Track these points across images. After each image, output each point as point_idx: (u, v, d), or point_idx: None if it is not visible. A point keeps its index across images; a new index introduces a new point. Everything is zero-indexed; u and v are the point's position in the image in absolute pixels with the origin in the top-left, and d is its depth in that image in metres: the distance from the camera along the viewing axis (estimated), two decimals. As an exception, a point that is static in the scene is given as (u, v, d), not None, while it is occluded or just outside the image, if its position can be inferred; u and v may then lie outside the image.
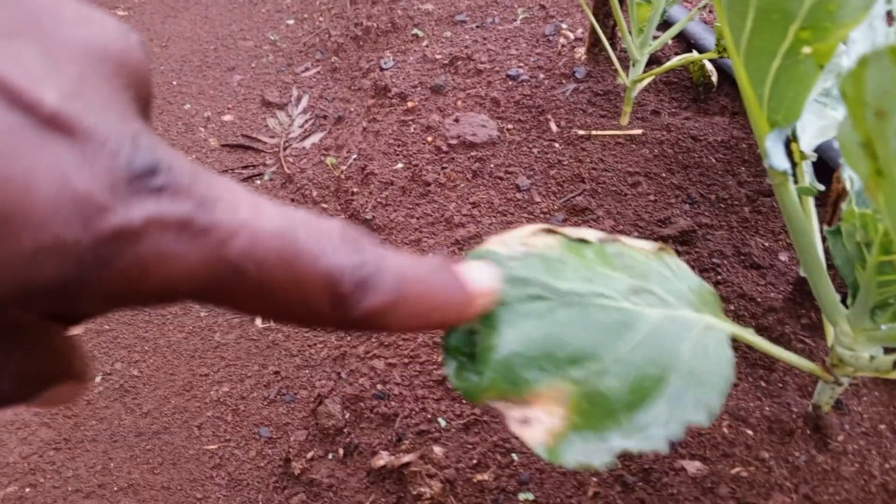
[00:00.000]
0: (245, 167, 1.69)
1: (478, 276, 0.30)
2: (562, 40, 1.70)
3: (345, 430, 0.95)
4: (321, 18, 2.41)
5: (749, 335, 0.61)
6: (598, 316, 0.54)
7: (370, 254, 0.24)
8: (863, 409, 0.83)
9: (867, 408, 0.83)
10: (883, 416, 0.82)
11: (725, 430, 0.81)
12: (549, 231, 0.60)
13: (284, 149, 1.74)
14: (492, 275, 0.31)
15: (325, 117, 1.82)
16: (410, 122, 1.53)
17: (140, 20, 2.58)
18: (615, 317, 0.54)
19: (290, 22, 2.48)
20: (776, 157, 0.61)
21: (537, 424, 0.49)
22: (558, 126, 1.44)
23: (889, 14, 0.72)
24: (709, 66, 1.44)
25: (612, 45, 1.45)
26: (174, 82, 2.13)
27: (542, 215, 1.25)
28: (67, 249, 0.17)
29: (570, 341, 0.52)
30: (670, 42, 1.57)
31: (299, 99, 1.94)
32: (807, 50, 0.52)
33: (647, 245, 0.62)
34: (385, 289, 0.24)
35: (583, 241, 0.60)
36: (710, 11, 1.84)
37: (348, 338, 1.17)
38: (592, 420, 0.49)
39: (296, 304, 0.22)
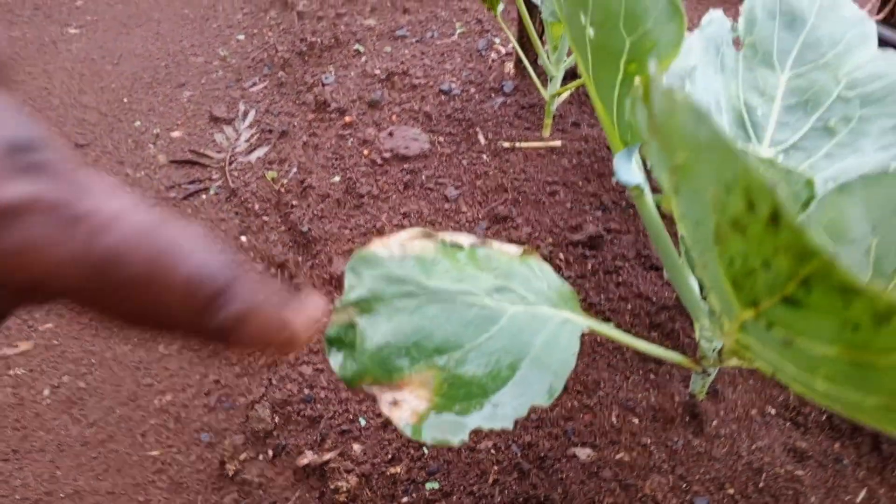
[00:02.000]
0: (192, 182, 1.75)
1: (306, 312, 0.29)
2: (493, 55, 1.78)
3: (274, 433, 1.02)
4: (270, 33, 2.47)
5: (607, 329, 0.70)
6: (462, 311, 0.62)
7: (229, 265, 0.24)
8: (737, 396, 0.91)
9: (741, 395, 0.92)
10: (754, 402, 0.91)
11: (614, 419, 0.90)
12: (427, 235, 0.68)
13: (230, 163, 1.79)
14: (319, 308, 0.30)
15: (270, 131, 1.88)
16: (348, 136, 1.60)
17: (93, 37, 2.62)
18: (478, 312, 0.63)
19: (241, 37, 2.53)
20: (624, 173, 0.69)
21: (405, 406, 0.57)
22: (486, 138, 1.52)
23: (736, 40, 0.81)
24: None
25: (534, 61, 1.54)
26: (125, 100, 2.17)
27: (467, 224, 1.33)
28: None
29: (437, 333, 0.60)
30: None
31: (246, 114, 2.00)
32: (637, 80, 0.61)
33: (514, 249, 0.70)
34: (239, 302, 0.24)
35: (456, 245, 0.68)
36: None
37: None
38: (453, 402, 0.57)
39: (157, 307, 0.22)
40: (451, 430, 0.57)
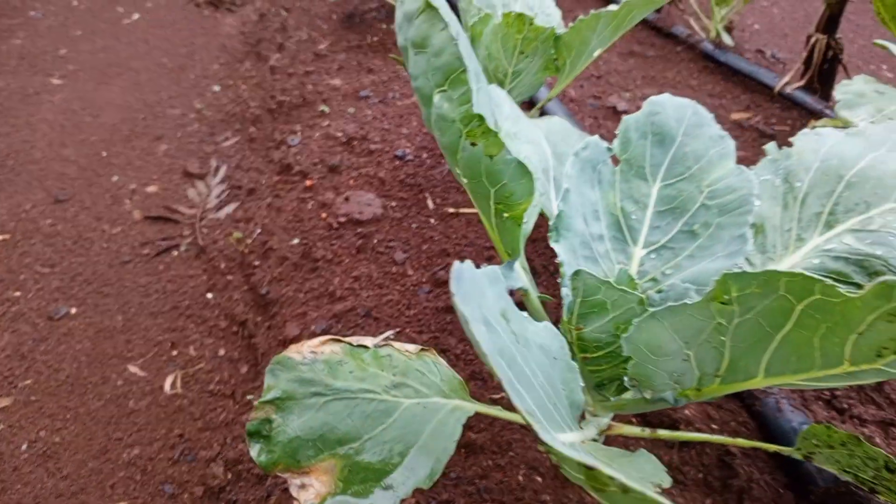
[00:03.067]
0: (164, 239, 1.87)
1: None
2: (445, 119, 1.92)
3: (227, 488, 1.14)
4: (243, 86, 2.61)
5: (492, 410, 0.83)
6: (363, 407, 0.75)
7: None
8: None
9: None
10: (643, 461, 1.04)
11: (521, 477, 1.03)
12: (337, 340, 0.81)
13: (201, 219, 1.92)
14: None
15: (239, 187, 2.01)
16: (308, 199, 1.73)
17: (74, 88, 2.74)
18: (376, 406, 0.76)
19: (216, 88, 2.67)
20: (511, 280, 0.83)
21: (310, 489, 0.70)
22: (434, 203, 1.66)
23: (613, 157, 0.96)
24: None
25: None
26: (104, 153, 2.29)
27: (412, 286, 1.46)
28: None
29: (340, 427, 0.74)
30: (535, 123, 1.80)
31: (217, 169, 2.13)
32: (506, 215, 0.75)
33: (412, 347, 0.84)
34: None
35: (363, 346, 0.82)
36: (575, 89, 2.09)
37: (242, 403, 1.36)
38: (351, 485, 0.71)
39: None
40: (350, 510, 0.70)
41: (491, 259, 1.48)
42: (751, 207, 0.91)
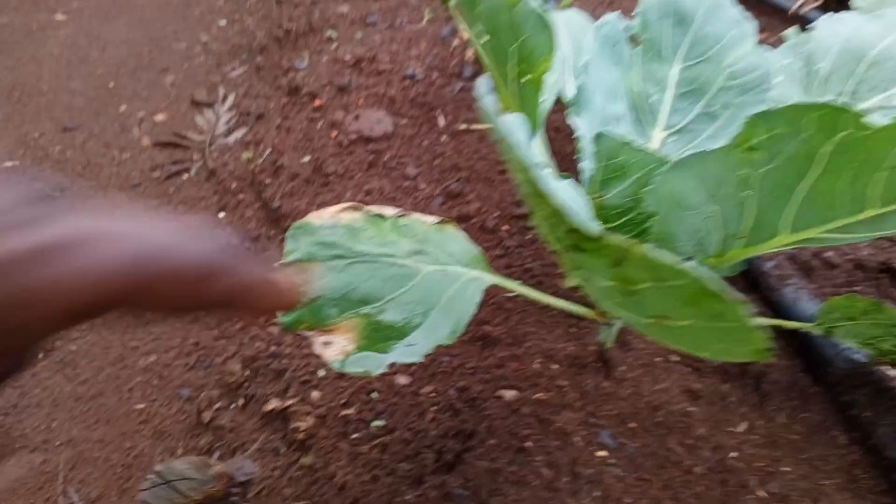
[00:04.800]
0: (174, 163, 1.87)
1: (291, 281, 0.35)
2: (456, 41, 1.90)
3: (244, 384, 1.16)
4: (250, 19, 2.57)
5: (512, 284, 0.83)
6: (384, 270, 0.76)
7: (224, 249, 0.29)
8: (644, 345, 1.05)
9: (648, 345, 1.05)
10: (658, 350, 1.05)
11: (537, 365, 1.04)
12: (355, 208, 0.81)
13: (210, 144, 1.91)
14: (303, 277, 0.36)
15: (248, 114, 1.99)
16: (318, 119, 1.72)
17: (79, 24, 2.71)
18: (397, 271, 0.76)
19: (222, 23, 2.63)
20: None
21: (335, 346, 0.71)
22: (445, 121, 1.64)
23: (631, 37, 0.94)
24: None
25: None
26: (111, 85, 2.27)
27: (424, 200, 1.46)
28: None
29: (362, 288, 0.74)
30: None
31: (225, 97, 2.12)
32: (526, 77, 0.74)
33: (431, 219, 0.84)
34: (239, 277, 0.30)
35: (381, 216, 0.81)
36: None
37: (256, 310, 1.37)
38: (375, 343, 0.71)
39: (177, 296, 0.29)
40: (373, 364, 0.71)
41: (504, 172, 1.47)
42: (770, 85, 0.89)
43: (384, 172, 1.52)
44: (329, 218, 0.77)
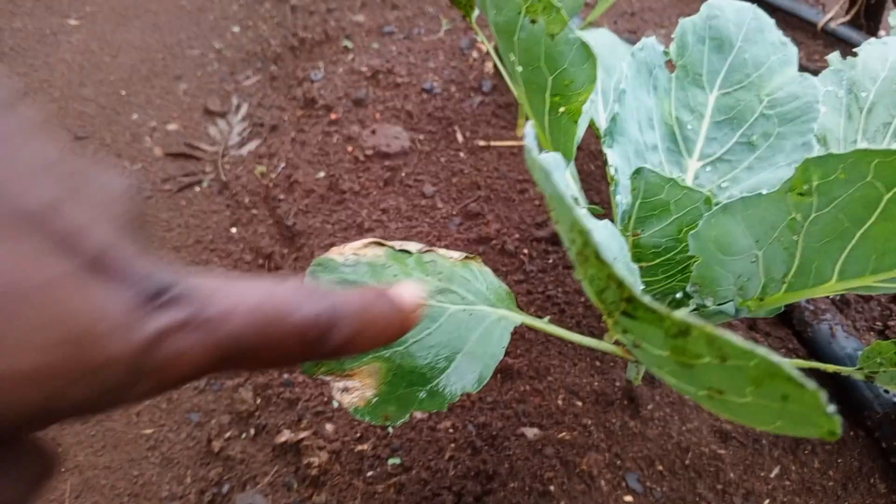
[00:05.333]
0: (186, 175, 1.84)
1: (407, 295, 0.34)
2: (475, 54, 1.86)
3: (256, 413, 1.12)
4: (264, 26, 2.54)
5: (540, 323, 0.79)
6: (407, 316, 0.71)
7: (328, 300, 0.29)
8: (673, 383, 1.01)
9: (677, 382, 1.01)
10: (688, 388, 1.00)
11: (560, 401, 0.99)
12: (378, 244, 0.77)
13: (223, 156, 1.88)
14: (416, 291, 0.35)
15: (261, 125, 1.96)
16: (333, 133, 1.68)
17: (92, 29, 2.69)
18: (421, 311, 0.71)
19: (236, 29, 2.60)
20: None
21: (354, 392, 0.67)
22: (464, 136, 1.60)
23: (668, 63, 0.90)
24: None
25: (510, 62, 1.61)
26: (123, 92, 2.25)
27: (441, 220, 1.42)
28: (111, 364, 0.22)
29: (384, 336, 0.69)
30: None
31: (239, 107, 2.09)
32: (562, 109, 0.70)
33: (457, 255, 0.79)
34: (345, 325, 0.29)
35: (405, 251, 0.77)
36: (609, 25, 2.01)
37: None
38: (396, 389, 0.67)
39: (279, 356, 0.28)
40: (394, 413, 0.67)
41: (524, 192, 1.43)
42: (815, 115, 0.85)
43: (401, 190, 1.48)
44: (351, 254, 0.73)
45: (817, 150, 0.84)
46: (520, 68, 0.68)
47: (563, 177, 0.70)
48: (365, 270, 0.73)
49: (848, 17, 1.87)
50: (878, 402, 0.95)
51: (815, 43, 1.93)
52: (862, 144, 0.88)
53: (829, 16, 1.91)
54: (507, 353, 1.08)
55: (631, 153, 0.84)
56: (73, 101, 2.22)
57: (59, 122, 2.09)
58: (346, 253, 0.73)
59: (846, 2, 1.88)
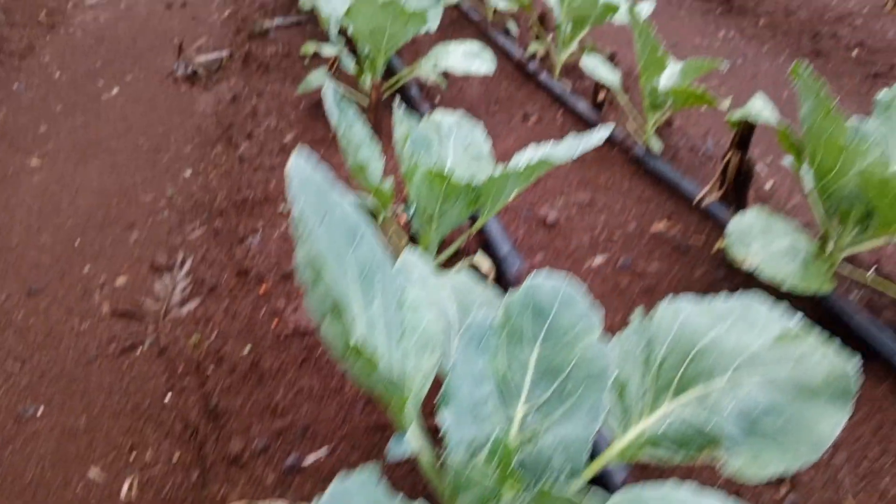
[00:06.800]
0: (129, 336, 2.02)
1: None
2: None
3: None
4: (213, 173, 2.77)
5: None
6: None
7: None
8: None
9: None
10: None
11: None
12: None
13: (164, 315, 2.07)
14: None
15: (202, 282, 2.16)
16: (262, 306, 1.90)
17: (53, 169, 2.90)
18: None
19: (188, 173, 2.83)
20: (401, 449, 0.98)
21: None
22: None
23: (497, 325, 1.12)
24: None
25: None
26: (78, 241, 2.44)
27: (348, 403, 1.62)
28: None
29: None
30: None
31: (184, 262, 2.29)
32: (393, 404, 0.90)
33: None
34: None
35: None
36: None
37: None
38: None
39: None
40: None
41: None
42: (607, 378, 1.08)
43: (315, 369, 1.69)
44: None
45: (607, 408, 1.06)
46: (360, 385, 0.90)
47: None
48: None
49: (719, 195, 2.16)
50: None
51: (692, 216, 2.22)
52: (651, 396, 1.11)
53: (702, 192, 2.20)
54: None
55: (465, 408, 1.06)
56: (31, 249, 2.40)
57: (15, 272, 2.28)
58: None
59: (718, 181, 2.17)
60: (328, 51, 2.68)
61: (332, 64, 3.02)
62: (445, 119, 1.86)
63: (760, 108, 1.91)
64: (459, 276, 1.29)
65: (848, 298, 1.70)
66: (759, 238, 1.62)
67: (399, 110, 1.68)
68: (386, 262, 1.07)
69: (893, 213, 1.55)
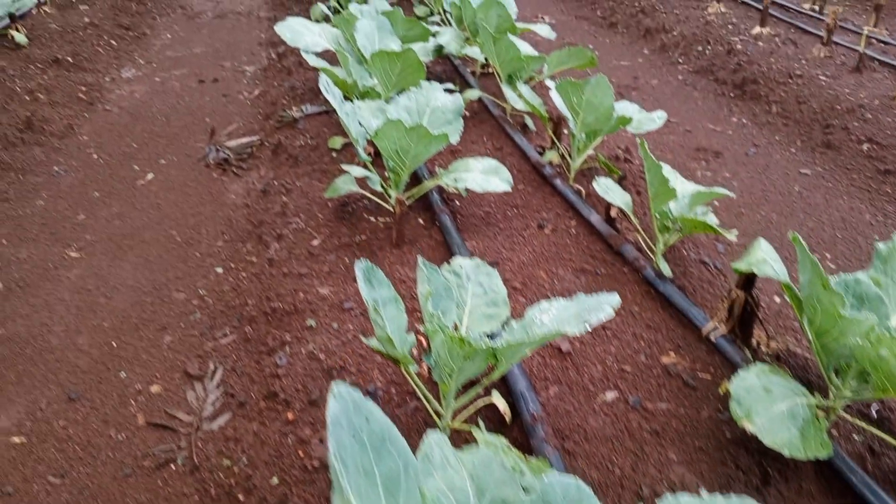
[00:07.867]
0: (163, 450, 2.13)
1: None
2: (414, 351, 2.22)
3: None
4: (243, 274, 2.91)
5: None
6: None
7: None
8: None
9: None
10: None
11: None
12: None
13: (197, 429, 2.19)
14: None
15: (232, 396, 2.28)
16: (289, 434, 2.01)
17: (89, 262, 3.05)
18: None
19: (219, 270, 2.97)
20: None
21: None
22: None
23: None
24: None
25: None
26: (114, 344, 2.57)
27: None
28: None
29: None
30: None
31: (214, 372, 2.41)
32: None
33: None
34: None
35: None
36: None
37: None
38: None
39: None
40: None
41: None
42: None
43: (340, 506, 1.79)
44: None
45: None
46: None
47: None
48: None
49: (726, 330, 2.27)
50: None
51: (700, 347, 2.32)
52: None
53: (710, 325, 2.31)
54: None
55: None
56: (69, 351, 2.53)
57: (54, 377, 2.40)
58: None
59: (725, 315, 2.28)
60: (356, 172, 2.84)
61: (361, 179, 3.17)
62: (465, 265, 1.99)
63: (763, 259, 2.02)
64: (479, 453, 1.40)
65: (845, 457, 1.79)
66: (760, 400, 1.72)
67: (423, 268, 1.81)
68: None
69: (888, 384, 1.66)
